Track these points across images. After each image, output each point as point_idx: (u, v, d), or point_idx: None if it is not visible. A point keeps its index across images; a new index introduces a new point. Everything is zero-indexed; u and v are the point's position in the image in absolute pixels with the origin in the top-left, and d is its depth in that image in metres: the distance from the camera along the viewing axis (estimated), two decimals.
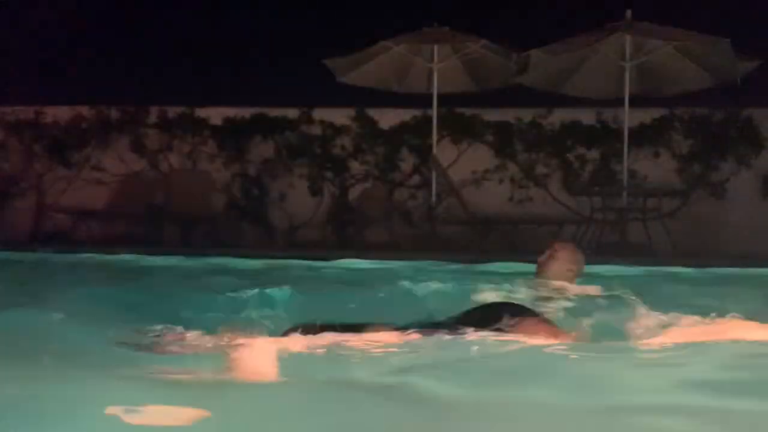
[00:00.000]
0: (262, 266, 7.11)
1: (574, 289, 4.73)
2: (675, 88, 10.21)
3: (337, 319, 2.95)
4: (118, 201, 10.84)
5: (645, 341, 2.94)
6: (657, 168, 10.44)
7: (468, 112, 10.80)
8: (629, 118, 9.88)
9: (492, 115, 10.78)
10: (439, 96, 10.41)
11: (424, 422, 1.94)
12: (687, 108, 10.43)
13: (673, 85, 10.20)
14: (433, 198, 10.21)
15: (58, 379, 2.12)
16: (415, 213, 10.55)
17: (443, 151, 10.55)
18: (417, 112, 10.82)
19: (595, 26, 9.63)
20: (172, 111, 11.09)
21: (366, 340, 2.72)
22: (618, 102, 9.96)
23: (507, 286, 4.73)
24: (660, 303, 3.79)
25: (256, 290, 4.36)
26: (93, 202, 10.66)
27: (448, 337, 2.70)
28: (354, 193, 10.93)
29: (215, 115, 11.04)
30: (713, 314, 3.05)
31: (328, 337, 2.68)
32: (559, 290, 4.66)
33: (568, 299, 4.41)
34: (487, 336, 2.67)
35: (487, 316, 2.84)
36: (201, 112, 11.10)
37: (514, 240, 9.48)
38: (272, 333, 2.97)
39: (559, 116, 10.69)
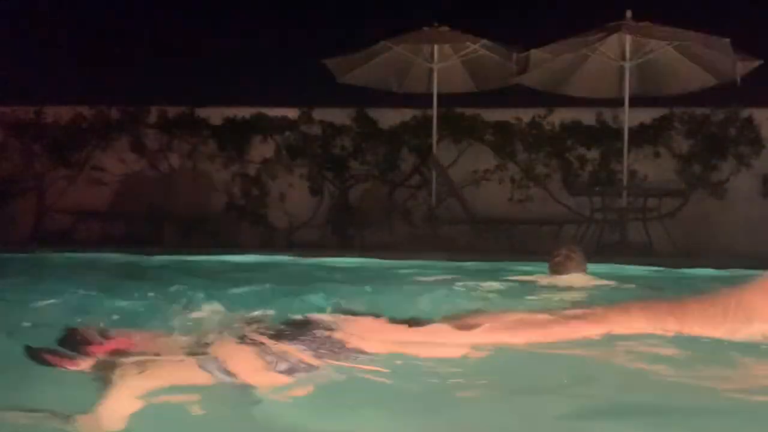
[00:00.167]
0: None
1: (588, 282, 5.28)
2: (675, 88, 10.22)
3: None
4: (118, 201, 10.83)
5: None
6: (657, 168, 10.44)
7: (468, 112, 10.79)
8: (629, 118, 9.89)
9: (492, 115, 10.78)
10: (439, 96, 10.41)
11: None
12: (687, 108, 10.43)
13: (673, 85, 10.20)
14: (433, 198, 10.21)
15: None
16: (415, 213, 10.55)
17: (443, 151, 10.55)
18: (417, 112, 10.82)
19: (595, 26, 9.62)
20: (172, 111, 11.09)
21: None
22: (618, 102, 9.97)
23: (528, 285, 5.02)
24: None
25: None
26: (93, 202, 10.66)
27: None
28: (354, 193, 10.93)
29: (215, 115, 11.04)
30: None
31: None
32: (580, 286, 5.14)
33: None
34: None
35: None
36: (201, 112, 11.09)
37: (514, 240, 9.48)
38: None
39: (559, 116, 10.69)
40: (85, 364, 2.42)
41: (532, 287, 5.12)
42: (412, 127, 10.84)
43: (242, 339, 2.57)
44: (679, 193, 10.21)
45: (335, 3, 12.43)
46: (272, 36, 12.01)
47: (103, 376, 2.29)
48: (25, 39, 11.76)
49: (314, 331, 2.65)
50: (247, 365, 2.42)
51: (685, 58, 9.87)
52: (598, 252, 9.04)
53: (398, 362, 2.52)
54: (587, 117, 10.64)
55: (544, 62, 9.70)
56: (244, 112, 11.03)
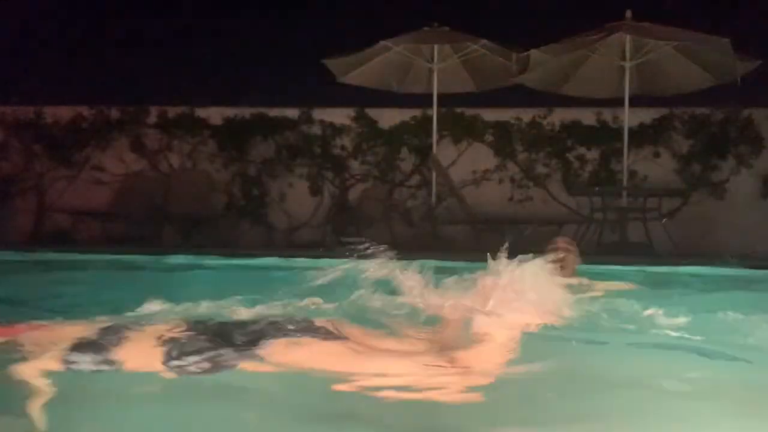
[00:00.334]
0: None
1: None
2: (675, 88, 10.21)
3: None
4: (118, 201, 10.83)
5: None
6: (657, 168, 10.44)
7: (468, 112, 10.80)
8: (629, 118, 9.89)
9: (492, 115, 10.78)
10: (439, 96, 10.41)
11: None
12: (687, 108, 10.43)
13: (673, 85, 10.20)
14: (433, 198, 10.21)
15: None
16: (415, 213, 10.55)
17: (443, 151, 10.56)
18: (417, 112, 10.82)
19: (595, 26, 9.62)
20: (172, 111, 11.09)
21: None
22: (618, 102, 9.97)
23: None
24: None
25: None
26: (93, 202, 10.66)
27: None
28: (354, 193, 10.93)
29: (215, 115, 11.04)
30: None
31: None
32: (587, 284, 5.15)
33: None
34: None
35: None
36: (201, 112, 11.10)
37: (513, 240, 9.47)
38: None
39: (559, 116, 10.70)
40: None
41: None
42: (412, 127, 10.84)
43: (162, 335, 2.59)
44: (679, 193, 10.21)
45: (335, 3, 12.42)
46: (272, 36, 12.00)
47: None
48: (25, 39, 11.75)
49: (257, 333, 2.64)
50: (139, 356, 2.47)
51: (685, 58, 9.86)
52: (598, 252, 9.05)
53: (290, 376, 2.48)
54: (587, 117, 10.65)
55: (544, 62, 9.69)
56: (244, 112, 11.03)
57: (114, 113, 11.09)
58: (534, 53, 9.50)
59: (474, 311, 2.80)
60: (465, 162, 10.70)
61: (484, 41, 10.07)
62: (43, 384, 2.31)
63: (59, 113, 11.04)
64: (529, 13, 11.54)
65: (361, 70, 10.51)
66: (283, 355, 2.53)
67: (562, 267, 5.30)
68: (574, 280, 5.21)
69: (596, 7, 10.36)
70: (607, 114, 10.53)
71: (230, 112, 11.02)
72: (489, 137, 10.79)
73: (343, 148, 10.94)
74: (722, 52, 9.01)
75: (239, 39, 11.97)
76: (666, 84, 10.23)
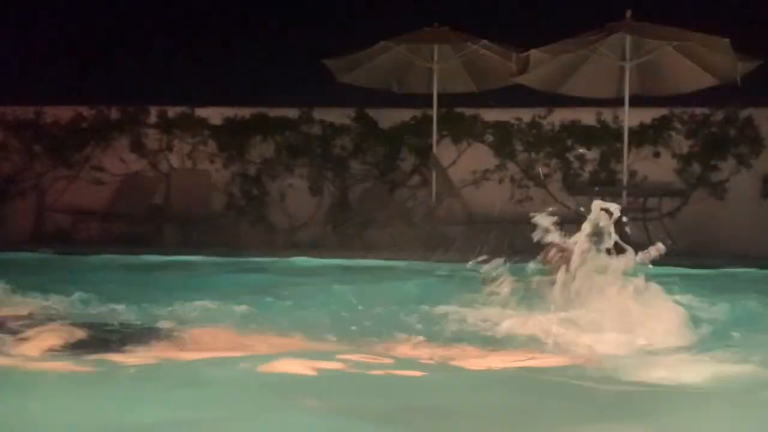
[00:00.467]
0: None
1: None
2: (675, 88, 10.21)
3: None
4: (118, 201, 10.83)
5: None
6: (657, 168, 10.44)
7: (468, 112, 10.79)
8: (629, 118, 9.88)
9: (492, 115, 10.78)
10: (439, 96, 10.41)
11: None
12: (687, 108, 10.43)
13: (673, 85, 10.20)
14: (433, 198, 10.20)
15: None
16: (415, 213, 10.55)
17: (443, 151, 10.56)
18: (417, 112, 10.82)
19: (595, 26, 9.62)
20: (172, 111, 11.09)
21: None
22: (618, 102, 9.97)
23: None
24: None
25: None
26: (93, 202, 10.66)
27: None
28: (354, 193, 10.93)
29: (215, 115, 11.04)
30: None
31: None
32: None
33: None
34: None
35: None
36: (201, 112, 11.10)
37: (514, 240, 9.46)
38: None
39: (559, 116, 10.69)
40: None
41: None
42: (412, 127, 10.85)
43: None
44: (679, 193, 10.21)
45: (335, 3, 12.42)
46: (272, 36, 11.99)
47: None
48: (25, 39, 11.75)
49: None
50: None
51: (685, 58, 9.86)
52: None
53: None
54: (587, 117, 10.65)
55: (544, 62, 9.69)
56: (244, 112, 11.03)
57: (114, 113, 11.10)
58: (534, 53, 9.49)
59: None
60: (465, 162, 10.69)
61: (484, 41, 10.07)
62: None
63: (59, 113, 11.04)
64: (530, 13, 11.53)
65: (361, 70, 10.51)
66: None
67: (567, 265, 5.32)
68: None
69: (596, 7, 10.36)
70: (607, 114, 10.53)
71: (230, 112, 11.03)
72: (489, 137, 10.79)
73: (343, 148, 10.93)
74: (722, 52, 9.02)
75: (239, 39, 11.96)
76: (666, 84, 10.23)
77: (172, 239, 10.49)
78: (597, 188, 10.20)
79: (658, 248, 3.44)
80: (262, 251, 8.77)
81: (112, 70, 11.64)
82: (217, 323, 3.45)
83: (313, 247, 9.90)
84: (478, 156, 10.74)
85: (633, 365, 2.87)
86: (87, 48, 12.01)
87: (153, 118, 11.11)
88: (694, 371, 2.74)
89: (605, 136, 10.54)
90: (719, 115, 10.38)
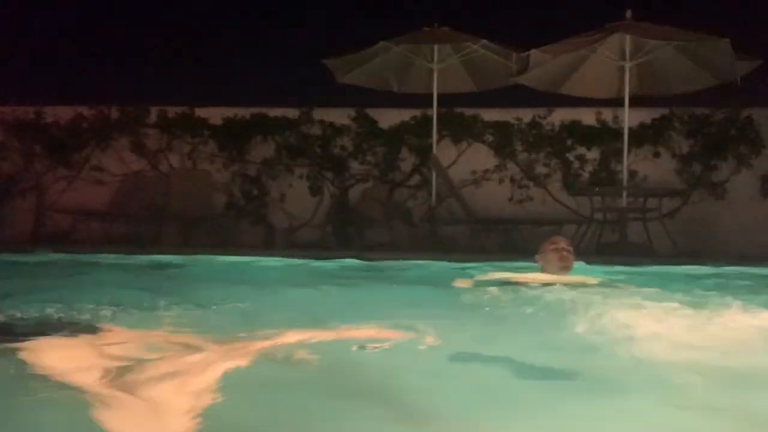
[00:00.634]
0: None
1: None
2: (675, 88, 10.21)
3: None
4: (118, 201, 10.83)
5: None
6: (657, 168, 10.44)
7: (468, 112, 10.79)
8: (629, 118, 9.88)
9: (492, 115, 10.78)
10: (439, 96, 10.41)
11: None
12: (687, 108, 10.43)
13: (673, 85, 10.20)
14: (433, 198, 10.21)
15: None
16: (415, 213, 10.55)
17: (443, 151, 10.55)
18: (417, 112, 10.82)
19: (595, 26, 9.62)
20: (172, 111, 11.09)
21: None
22: (618, 102, 9.96)
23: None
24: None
25: None
26: (93, 202, 10.66)
27: None
28: (354, 193, 10.93)
29: (215, 115, 11.03)
30: None
31: None
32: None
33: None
34: None
35: None
36: (201, 112, 11.09)
37: (514, 240, 9.47)
38: None
39: (559, 116, 10.69)
40: None
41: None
42: (412, 127, 10.84)
43: None
44: (679, 193, 10.21)
45: (335, 3, 12.42)
46: (272, 36, 12.00)
47: None
48: (25, 39, 11.75)
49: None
50: None
51: (685, 58, 9.86)
52: (599, 252, 9.06)
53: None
54: (587, 117, 10.65)
55: (544, 62, 9.69)
56: (244, 112, 11.02)
57: (114, 113, 11.09)
58: (534, 53, 9.49)
59: None
60: (465, 162, 10.69)
61: (484, 41, 10.07)
62: None
63: (59, 113, 11.04)
64: (529, 13, 11.55)
65: (361, 70, 10.51)
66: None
67: (566, 264, 5.41)
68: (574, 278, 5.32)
69: (596, 7, 10.37)
70: (607, 114, 10.53)
71: (230, 112, 11.02)
72: (489, 137, 10.79)
73: (343, 148, 10.93)
74: (722, 52, 9.01)
75: (239, 39, 11.98)
76: (666, 84, 10.23)
77: (172, 239, 10.48)
78: (597, 188, 10.20)
79: None
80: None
81: (112, 70, 11.65)
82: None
83: (313, 247, 9.91)
84: (478, 156, 10.74)
85: None
86: (87, 48, 12.02)
87: (153, 118, 11.10)
88: None
89: (605, 136, 10.54)
90: (719, 115, 10.38)
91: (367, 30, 10.34)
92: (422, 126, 10.70)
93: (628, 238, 9.42)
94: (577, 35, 9.71)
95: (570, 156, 10.65)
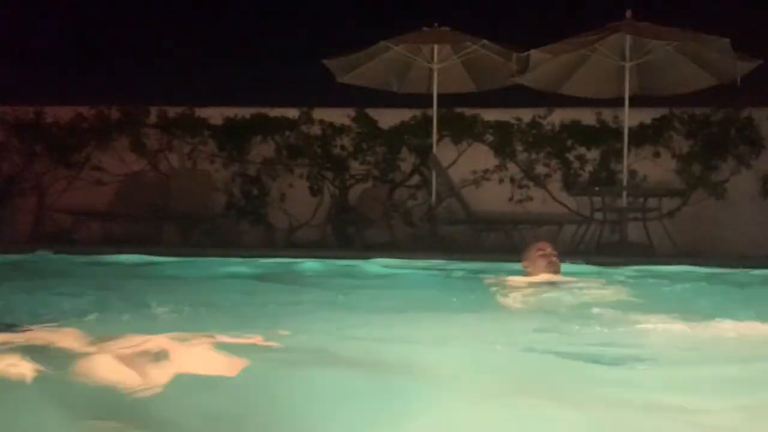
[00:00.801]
0: None
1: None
2: (675, 88, 10.21)
3: None
4: (118, 201, 10.83)
5: None
6: (657, 168, 10.44)
7: (468, 112, 10.79)
8: (629, 118, 9.88)
9: (492, 115, 10.78)
10: (439, 96, 10.41)
11: None
12: (687, 108, 10.43)
13: (673, 85, 10.20)
14: (433, 198, 10.21)
15: None
16: (415, 213, 10.55)
17: (443, 151, 10.55)
18: (417, 112, 10.82)
19: (595, 26, 9.62)
20: (172, 111, 11.08)
21: None
22: (618, 102, 9.96)
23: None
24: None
25: None
26: (93, 202, 10.66)
27: None
28: (354, 193, 10.93)
29: (215, 115, 11.03)
30: None
31: None
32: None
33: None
34: None
35: None
36: (201, 112, 11.09)
37: (514, 240, 9.48)
38: None
39: (559, 116, 10.69)
40: None
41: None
42: (412, 127, 10.84)
43: None
44: (679, 193, 10.21)
45: (335, 3, 12.42)
46: (272, 36, 12.00)
47: None
48: (25, 39, 11.75)
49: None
50: None
51: (685, 58, 9.86)
52: (598, 252, 9.06)
53: None
54: (587, 117, 10.65)
55: (544, 62, 9.69)
56: (244, 112, 11.02)
57: (114, 113, 11.08)
58: (534, 53, 9.49)
59: None
60: (465, 162, 10.69)
61: (484, 41, 10.06)
62: None
63: (59, 113, 11.03)
64: (529, 13, 11.55)
65: (361, 70, 10.51)
66: None
67: (555, 269, 5.45)
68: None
69: (596, 7, 10.37)
70: (607, 114, 10.53)
71: (230, 112, 11.01)
72: (489, 137, 10.79)
73: (343, 148, 10.93)
74: (722, 52, 9.01)
75: (239, 39, 11.97)
76: (666, 84, 10.23)
77: (172, 239, 10.49)
78: (597, 188, 10.21)
79: None
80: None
81: (112, 70, 11.65)
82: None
83: (313, 247, 9.92)
84: (478, 156, 10.74)
85: None
86: (87, 48, 12.02)
87: (153, 118, 11.09)
88: None
89: (605, 136, 10.54)
90: (719, 115, 10.38)
91: (367, 30, 10.34)
92: (422, 126, 10.70)
93: (628, 238, 9.42)
94: (577, 35, 9.71)
95: (570, 156, 10.65)
